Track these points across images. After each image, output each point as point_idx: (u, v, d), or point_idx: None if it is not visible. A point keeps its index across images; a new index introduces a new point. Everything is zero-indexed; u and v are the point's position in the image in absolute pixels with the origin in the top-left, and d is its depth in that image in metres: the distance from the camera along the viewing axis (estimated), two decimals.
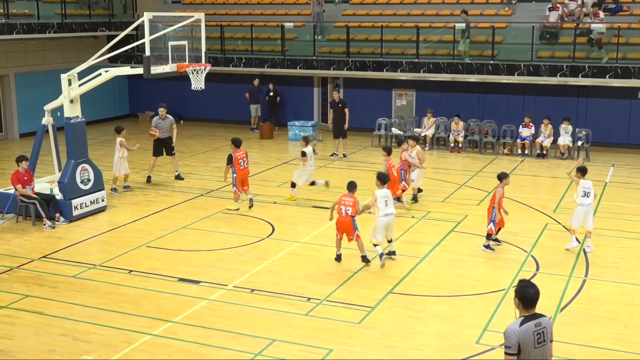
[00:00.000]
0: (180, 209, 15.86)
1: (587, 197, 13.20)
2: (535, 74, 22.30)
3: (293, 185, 16.70)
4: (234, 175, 15.67)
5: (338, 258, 12.71)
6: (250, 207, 15.84)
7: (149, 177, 18.80)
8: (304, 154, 16.52)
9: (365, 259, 12.54)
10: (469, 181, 18.91)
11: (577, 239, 13.64)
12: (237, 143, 15.91)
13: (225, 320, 10.42)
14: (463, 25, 23.43)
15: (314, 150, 16.99)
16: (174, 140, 19.05)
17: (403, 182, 16.13)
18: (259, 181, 18.49)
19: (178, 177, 18.95)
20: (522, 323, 6.29)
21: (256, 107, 26.87)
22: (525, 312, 6.35)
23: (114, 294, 11.42)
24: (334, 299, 11.16)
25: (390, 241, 12.86)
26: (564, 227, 14.36)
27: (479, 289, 11.11)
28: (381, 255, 12.48)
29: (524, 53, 22.71)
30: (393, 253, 12.92)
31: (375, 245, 12.58)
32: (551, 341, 6.44)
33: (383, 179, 12.71)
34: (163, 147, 18.99)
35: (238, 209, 15.82)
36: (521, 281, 6.48)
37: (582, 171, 13.27)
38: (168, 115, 19.10)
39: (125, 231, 14.66)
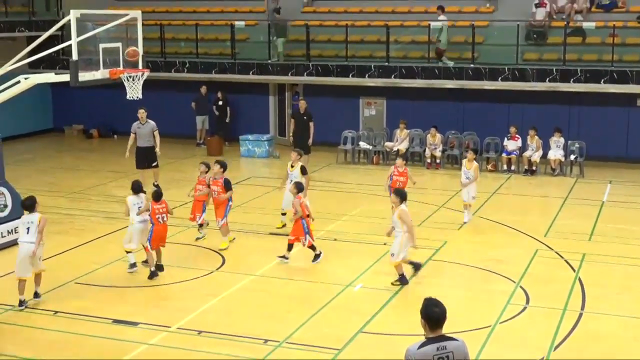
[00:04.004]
0: (115, 239, 15.67)
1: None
2: (522, 79, 22.64)
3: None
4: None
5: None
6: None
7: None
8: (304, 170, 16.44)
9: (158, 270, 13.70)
10: (449, 202, 19.06)
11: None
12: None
13: None
14: (439, 24, 23.75)
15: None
16: (158, 148, 19.38)
17: None
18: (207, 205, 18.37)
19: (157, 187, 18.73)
20: (422, 345, 6.41)
21: (203, 118, 26.78)
22: (430, 333, 6.47)
23: (36, 340, 11.21)
24: (295, 341, 11.10)
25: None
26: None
27: (462, 326, 11.16)
28: (134, 264, 13.77)
29: (509, 55, 23.06)
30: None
31: (128, 252, 13.77)
32: None
33: (137, 188, 13.90)
34: (145, 157, 19.25)
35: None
36: (426, 299, 6.60)
37: (400, 195, 13.27)
38: (149, 120, 19.26)
39: (50, 265, 14.41)
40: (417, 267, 13.68)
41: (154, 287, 13.30)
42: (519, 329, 11.59)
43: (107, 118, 28.60)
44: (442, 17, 23.85)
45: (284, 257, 14.31)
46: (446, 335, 6.48)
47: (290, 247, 14.31)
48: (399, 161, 17.05)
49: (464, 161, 17.48)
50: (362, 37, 25.32)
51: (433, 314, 6.46)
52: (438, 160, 23.21)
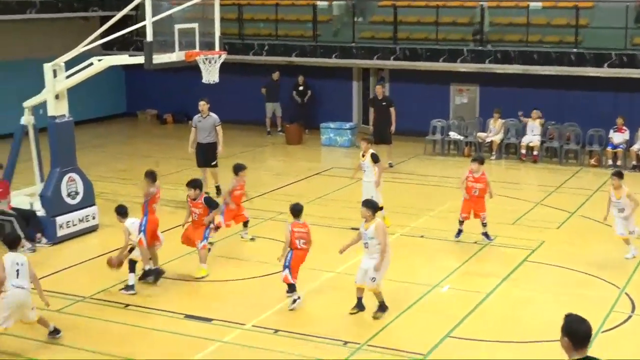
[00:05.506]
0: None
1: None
2: (630, 65, 22.11)
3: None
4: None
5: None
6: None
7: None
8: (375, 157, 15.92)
9: None
10: (547, 198, 18.77)
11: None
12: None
13: None
14: (539, 4, 23.35)
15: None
16: (220, 146, 18.75)
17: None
18: (285, 196, 18.54)
19: (218, 190, 18.53)
20: None
21: (273, 105, 26.86)
22: (576, 354, 6.25)
23: (108, 332, 11.54)
24: (376, 344, 11.13)
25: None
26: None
27: (558, 334, 11.00)
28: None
29: (616, 39, 22.56)
30: None
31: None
32: None
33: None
34: (204, 154, 18.75)
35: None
36: (569, 315, 6.38)
37: (373, 207, 12.16)
38: (211, 113, 18.78)
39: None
40: None
41: (229, 282, 13.49)
42: (623, 339, 11.35)
43: (182, 103, 29.03)
44: None
45: (292, 296, 12.44)
46: (590, 356, 6.26)
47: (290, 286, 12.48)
48: (475, 165, 15.41)
49: (610, 189, 14.86)
50: (454, 19, 25.07)
51: (579, 331, 6.25)
52: (535, 152, 22.84)
